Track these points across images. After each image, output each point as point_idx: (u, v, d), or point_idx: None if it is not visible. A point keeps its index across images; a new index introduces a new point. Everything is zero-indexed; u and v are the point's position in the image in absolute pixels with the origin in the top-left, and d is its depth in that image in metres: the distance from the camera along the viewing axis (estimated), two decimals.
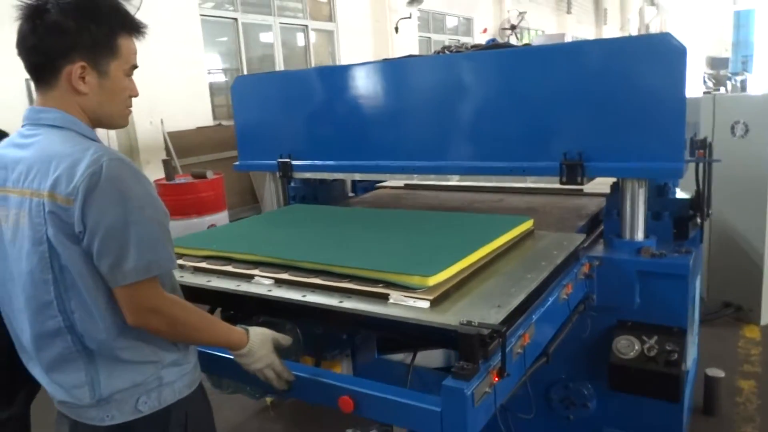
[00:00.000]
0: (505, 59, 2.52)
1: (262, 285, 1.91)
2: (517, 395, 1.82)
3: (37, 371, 1.45)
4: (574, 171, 2.31)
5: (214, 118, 7.94)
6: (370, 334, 2.67)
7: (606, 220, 2.51)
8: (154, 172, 6.43)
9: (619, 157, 2.25)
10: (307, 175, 3.02)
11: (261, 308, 1.95)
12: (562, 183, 2.34)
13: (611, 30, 24.15)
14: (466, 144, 2.60)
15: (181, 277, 2.04)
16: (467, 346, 1.44)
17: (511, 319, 1.62)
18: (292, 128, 3.01)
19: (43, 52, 1.32)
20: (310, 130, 2.97)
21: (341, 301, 1.71)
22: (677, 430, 2.38)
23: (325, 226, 2.50)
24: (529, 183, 2.53)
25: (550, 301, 1.91)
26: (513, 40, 13.99)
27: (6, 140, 1.46)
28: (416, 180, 2.71)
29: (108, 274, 1.28)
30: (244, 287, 1.91)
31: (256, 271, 1.97)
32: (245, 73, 8.47)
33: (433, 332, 1.56)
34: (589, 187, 3.01)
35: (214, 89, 8.16)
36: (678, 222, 2.45)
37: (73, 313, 1.33)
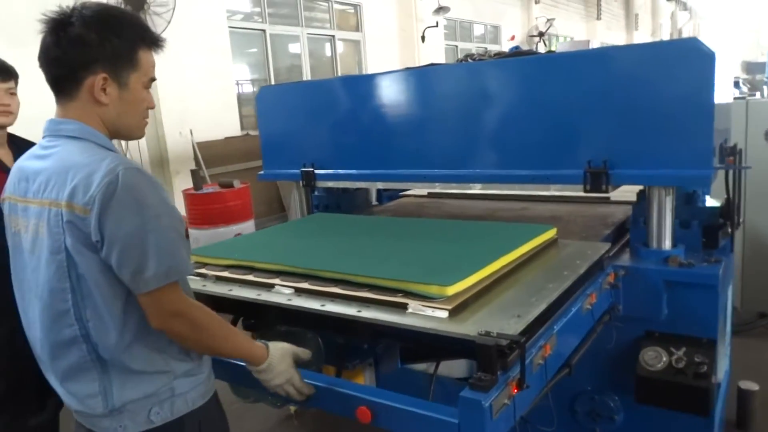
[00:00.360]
0: (527, 67, 2.50)
1: (282, 294, 1.92)
2: (540, 407, 1.79)
3: (52, 380, 1.48)
4: (598, 179, 2.27)
5: (242, 128, 8.05)
6: (392, 344, 2.65)
7: (632, 229, 2.46)
8: (183, 182, 6.55)
9: (644, 165, 2.21)
10: (330, 184, 3.04)
11: (281, 317, 1.96)
12: (586, 191, 2.30)
13: (642, 36, 23.81)
14: (488, 152, 2.58)
15: (204, 286, 2.08)
16: (486, 357, 1.42)
17: (530, 329, 1.59)
18: (316, 137, 3.03)
19: (66, 64, 1.36)
20: (334, 139, 2.99)
21: (359, 311, 1.71)
22: None
23: (347, 235, 2.51)
24: (553, 191, 2.49)
25: (573, 311, 1.88)
26: (541, 47, 13.88)
27: (27, 152, 1.50)
28: (439, 188, 2.70)
29: (131, 282, 1.30)
30: (265, 296, 1.93)
31: (276, 280, 1.99)
32: (273, 83, 8.58)
33: (451, 342, 1.54)
34: (616, 195, 2.96)
35: (242, 100, 8.28)
36: (707, 230, 2.39)
37: (88, 322, 1.35)
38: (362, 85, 2.88)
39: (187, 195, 5.49)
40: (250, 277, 2.06)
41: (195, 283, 2.12)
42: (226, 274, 2.13)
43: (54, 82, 1.40)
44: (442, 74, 2.74)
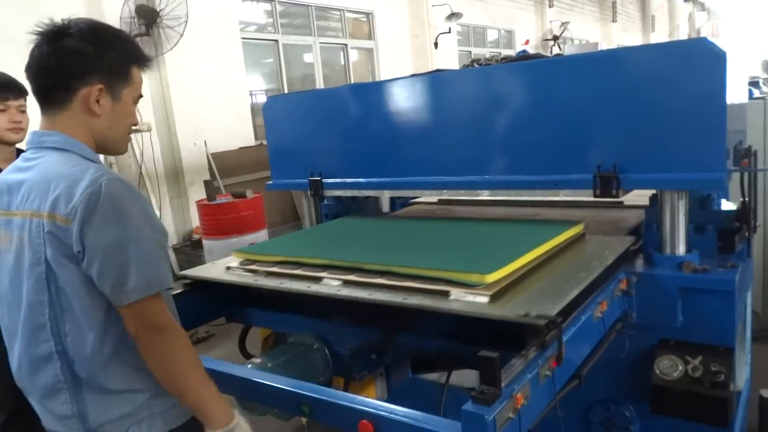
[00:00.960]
0: (534, 70, 2.46)
1: (331, 286, 2.06)
2: (549, 418, 1.75)
3: (32, 399, 1.47)
4: (608, 183, 2.23)
5: (256, 138, 8.10)
6: (402, 354, 2.61)
7: (645, 234, 2.40)
8: (198, 193, 6.59)
9: (656, 169, 2.16)
10: (338, 192, 3.03)
11: (331, 307, 2.12)
12: (596, 196, 2.26)
13: (659, 37, 23.54)
14: (497, 157, 2.54)
15: (256, 280, 2.27)
16: (531, 336, 1.60)
17: (565, 311, 1.70)
18: (323, 146, 3.03)
19: (61, 73, 1.37)
20: (341, 148, 2.98)
21: (405, 299, 1.84)
22: None
23: (381, 234, 2.68)
24: (563, 196, 2.45)
25: (582, 319, 1.83)
26: (556, 51, 13.78)
27: (10, 166, 1.51)
28: (447, 195, 2.67)
29: (111, 294, 1.29)
30: (315, 288, 2.06)
31: (324, 274, 2.14)
32: (286, 93, 8.63)
33: (489, 329, 1.73)
34: (628, 199, 2.90)
35: (256, 110, 8.33)
36: (723, 235, 2.32)
37: (66, 337, 1.34)
38: (369, 92, 2.87)
39: (200, 206, 5.52)
40: (299, 272, 2.22)
41: (247, 279, 2.33)
42: (275, 269, 2.28)
43: (44, 92, 1.41)
44: (448, 80, 2.71)
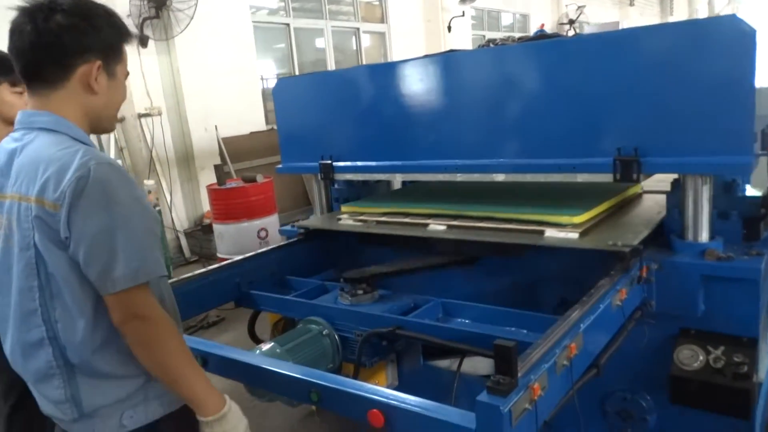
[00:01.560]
0: (553, 50, 2.37)
1: (439, 231, 2.47)
2: (565, 409, 1.69)
3: (28, 383, 1.44)
4: (629, 168, 2.15)
5: (267, 122, 8.03)
6: (413, 341, 2.56)
7: (667, 220, 2.32)
8: (209, 178, 6.56)
9: (679, 152, 2.08)
10: (349, 176, 2.97)
11: (437, 247, 2.53)
12: (615, 180, 2.18)
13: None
14: (512, 140, 2.47)
15: (368, 228, 2.67)
16: (622, 260, 2.00)
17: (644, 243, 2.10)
18: (334, 129, 2.97)
19: (58, 51, 1.31)
20: (352, 131, 2.91)
21: (508, 236, 2.28)
22: None
23: (459, 191, 2.94)
24: (580, 180, 2.36)
25: (601, 308, 1.77)
26: (571, 35, 13.55)
27: None
28: (461, 179, 2.60)
29: (97, 281, 1.25)
30: (424, 233, 2.48)
31: (429, 221, 2.53)
32: None
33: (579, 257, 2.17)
34: (650, 184, 2.83)
35: (267, 94, 8.25)
36: (748, 222, 2.23)
37: (57, 323, 1.30)
38: (380, 74, 2.79)
39: (210, 190, 5.48)
40: (407, 220, 2.61)
41: (358, 228, 2.73)
42: (384, 219, 2.68)
43: (35, 70, 1.34)
44: (462, 60, 2.63)
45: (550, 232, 2.23)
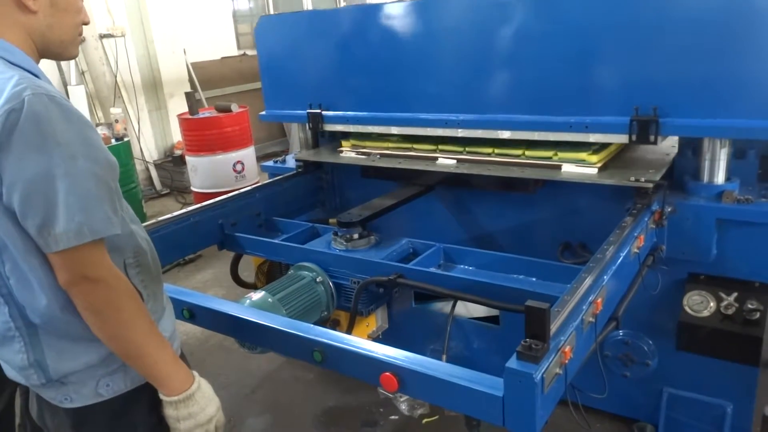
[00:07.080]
0: None
1: (449, 165, 2.40)
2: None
3: None
4: (646, 128, 1.99)
5: (239, 47, 7.59)
6: (407, 289, 2.44)
7: (679, 159, 2.20)
8: (178, 106, 6.21)
9: (702, 113, 1.92)
10: (340, 127, 2.74)
11: (444, 182, 2.53)
12: (631, 141, 2.03)
13: None
14: (519, 95, 2.26)
15: (373, 162, 2.59)
16: (643, 197, 1.98)
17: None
18: (322, 75, 2.72)
19: None
20: (342, 77, 2.67)
21: (523, 171, 2.25)
22: (750, 392, 2.14)
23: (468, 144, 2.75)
24: (592, 140, 2.18)
25: (621, 256, 1.66)
26: None
27: None
28: (462, 133, 2.40)
29: (37, 237, 1.05)
30: (432, 167, 2.42)
31: (437, 154, 2.48)
32: None
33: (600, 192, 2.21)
34: None
35: (237, 17, 7.76)
36: (765, 161, 2.12)
37: (8, 279, 1.11)
38: (373, 15, 2.52)
39: (182, 120, 5.15)
40: (413, 153, 2.55)
41: (363, 161, 2.63)
42: (389, 152, 2.59)
43: None
44: (467, 1, 2.35)
45: (567, 167, 2.19)
